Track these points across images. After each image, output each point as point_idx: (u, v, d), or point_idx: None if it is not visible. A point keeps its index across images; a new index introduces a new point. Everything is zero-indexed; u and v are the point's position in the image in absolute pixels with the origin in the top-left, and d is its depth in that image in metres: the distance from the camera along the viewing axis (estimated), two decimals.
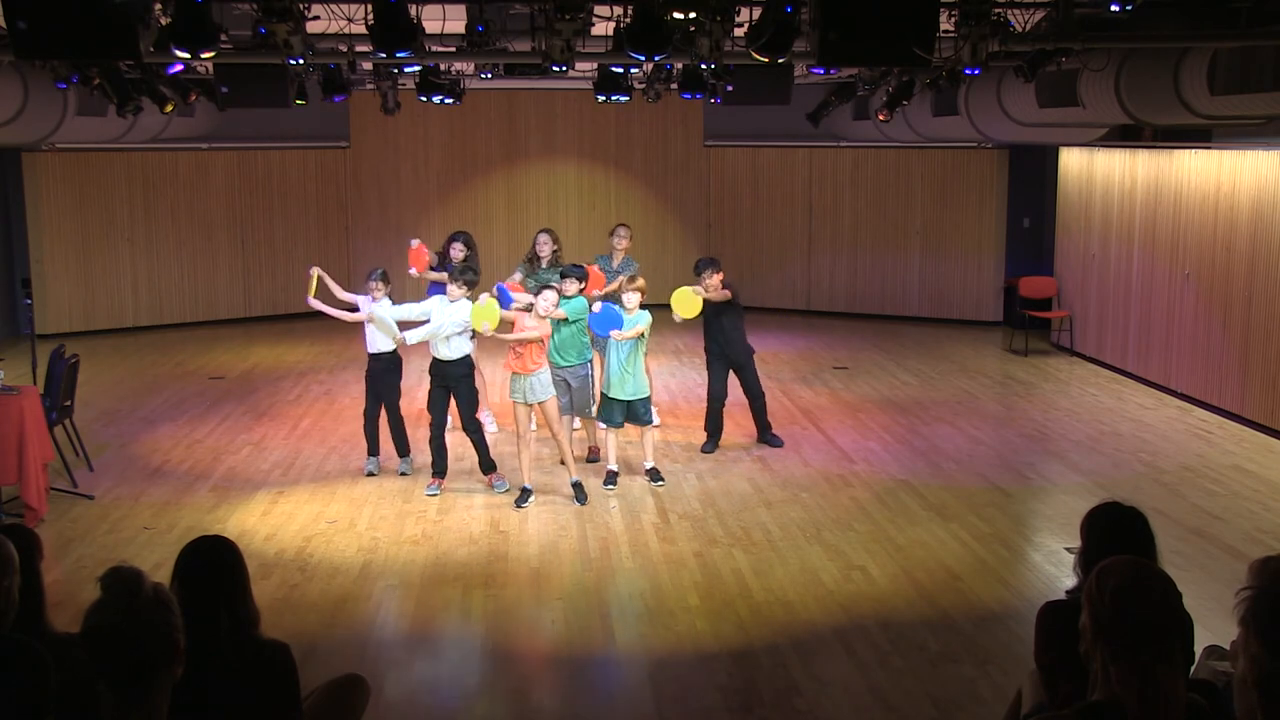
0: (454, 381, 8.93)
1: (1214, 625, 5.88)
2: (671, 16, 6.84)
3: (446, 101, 13.02)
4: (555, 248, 10.36)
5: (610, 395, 9.07)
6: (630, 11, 7.64)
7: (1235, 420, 11.05)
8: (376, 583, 7.25)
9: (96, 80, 9.59)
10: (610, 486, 9.05)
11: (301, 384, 12.84)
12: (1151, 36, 8.50)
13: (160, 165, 16.04)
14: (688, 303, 9.51)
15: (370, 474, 9.44)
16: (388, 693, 5.76)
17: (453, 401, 9.05)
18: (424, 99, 12.75)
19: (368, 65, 11.96)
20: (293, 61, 8.12)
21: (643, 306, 9.12)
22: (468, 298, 8.87)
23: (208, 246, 16.47)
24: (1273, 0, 7.39)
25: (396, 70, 12.50)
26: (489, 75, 12.74)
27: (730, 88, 11.68)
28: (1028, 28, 8.37)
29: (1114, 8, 7.00)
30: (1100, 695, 2.65)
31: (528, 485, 8.77)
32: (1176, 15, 8.47)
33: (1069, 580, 4.43)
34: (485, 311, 8.53)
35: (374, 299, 9.31)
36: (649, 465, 9.29)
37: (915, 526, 8.29)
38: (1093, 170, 13.98)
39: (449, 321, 8.82)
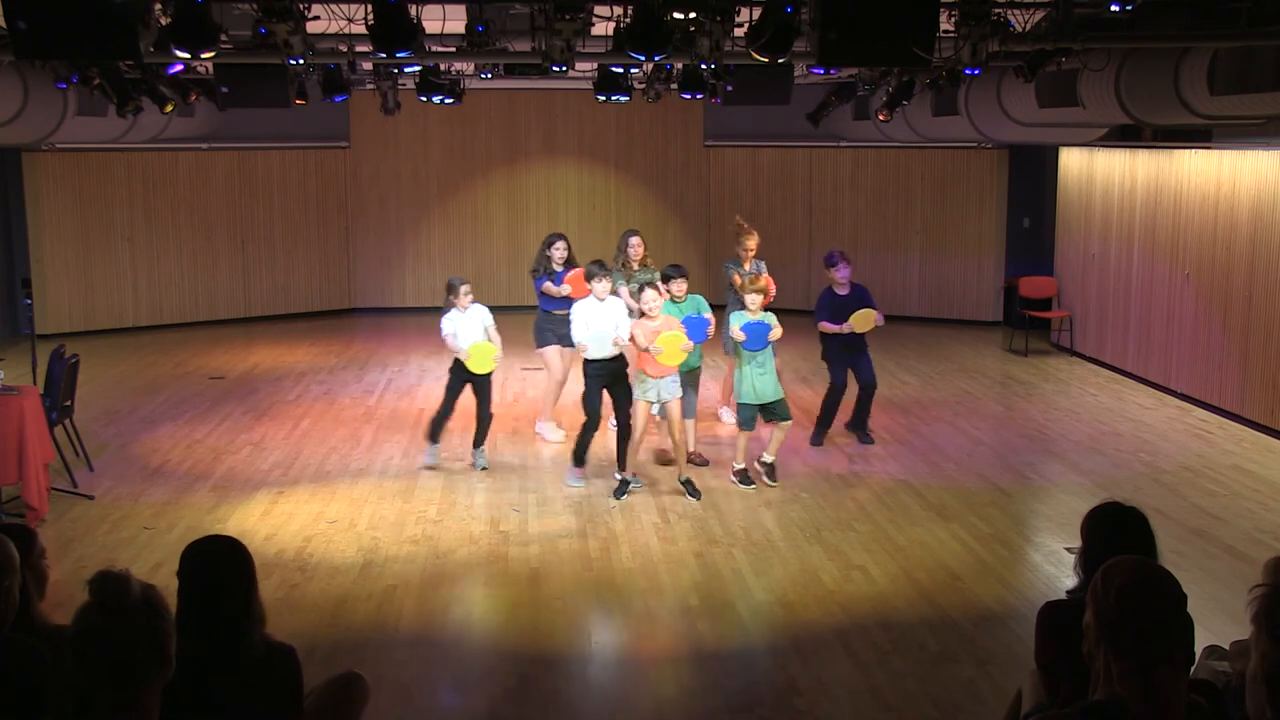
0: (614, 378, 8.93)
1: (1214, 625, 5.89)
2: (671, 16, 6.84)
3: (446, 101, 13.01)
4: (645, 250, 10.29)
5: (748, 402, 9.02)
6: (630, 11, 7.64)
7: (1235, 420, 11.04)
8: (376, 583, 7.24)
9: (96, 80, 9.58)
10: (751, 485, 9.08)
11: (301, 384, 12.84)
12: (1151, 36, 8.51)
13: (160, 165, 16.04)
14: (866, 320, 9.85)
15: (429, 466, 9.47)
16: (387, 692, 5.76)
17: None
18: (424, 99, 12.75)
19: (368, 65, 11.95)
20: (293, 61, 8.11)
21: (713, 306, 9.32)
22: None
23: (208, 246, 16.47)
24: (1273, 0, 7.39)
25: (396, 70, 12.50)
26: (489, 75, 12.73)
27: (730, 88, 11.67)
28: (1028, 28, 8.37)
29: (1114, 8, 7.00)
30: (1102, 694, 2.65)
31: (629, 478, 8.84)
32: (1176, 15, 8.47)
33: (1069, 580, 4.42)
34: (674, 341, 8.58)
35: (463, 309, 9.33)
36: (739, 466, 9.22)
37: (915, 526, 8.29)
38: (1093, 170, 13.98)
39: (612, 319, 8.85)
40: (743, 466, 9.15)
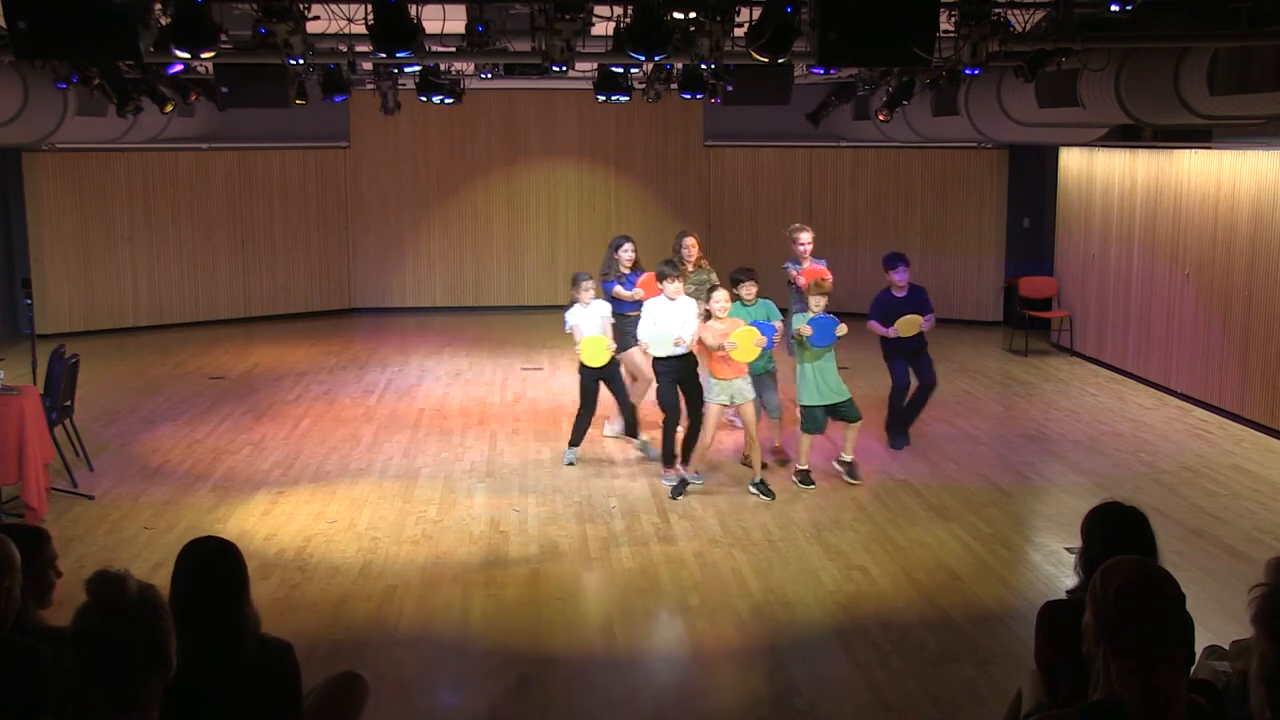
0: (685, 375, 9.00)
1: (1214, 625, 5.89)
2: (671, 16, 6.84)
3: (446, 101, 13.02)
4: (700, 250, 10.25)
5: (813, 403, 9.03)
6: (630, 11, 7.65)
7: (1235, 420, 11.04)
8: (376, 583, 7.24)
9: (96, 80, 9.59)
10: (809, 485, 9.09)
11: (301, 384, 12.84)
12: (1151, 36, 8.51)
13: (160, 165, 16.04)
14: (911, 325, 9.83)
15: (570, 464, 9.60)
16: (387, 692, 5.76)
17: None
18: (424, 99, 12.76)
19: (368, 65, 11.96)
20: (293, 61, 8.12)
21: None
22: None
23: (208, 246, 16.47)
24: (1273, 0, 7.39)
25: (396, 70, 12.50)
26: (489, 75, 12.74)
27: (730, 88, 11.68)
28: (1028, 28, 8.36)
29: (1114, 8, 7.01)
30: (1101, 694, 2.65)
31: (690, 477, 8.91)
32: (1176, 15, 8.47)
33: (1069, 580, 4.43)
34: (748, 337, 8.63)
35: (585, 304, 9.42)
36: (801, 467, 9.21)
37: (915, 526, 8.29)
38: (1093, 170, 13.98)
39: (680, 318, 8.90)
40: (805, 467, 9.16)
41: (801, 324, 8.94)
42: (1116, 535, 3.67)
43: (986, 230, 16.41)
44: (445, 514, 8.53)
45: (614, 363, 9.51)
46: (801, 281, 9.83)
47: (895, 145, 16.33)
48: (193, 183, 16.31)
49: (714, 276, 10.04)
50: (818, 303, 9.01)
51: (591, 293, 9.51)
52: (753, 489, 8.85)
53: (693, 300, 9.24)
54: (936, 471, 9.59)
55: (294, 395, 12.31)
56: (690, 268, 10.04)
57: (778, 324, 9.12)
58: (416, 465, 9.72)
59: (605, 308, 9.62)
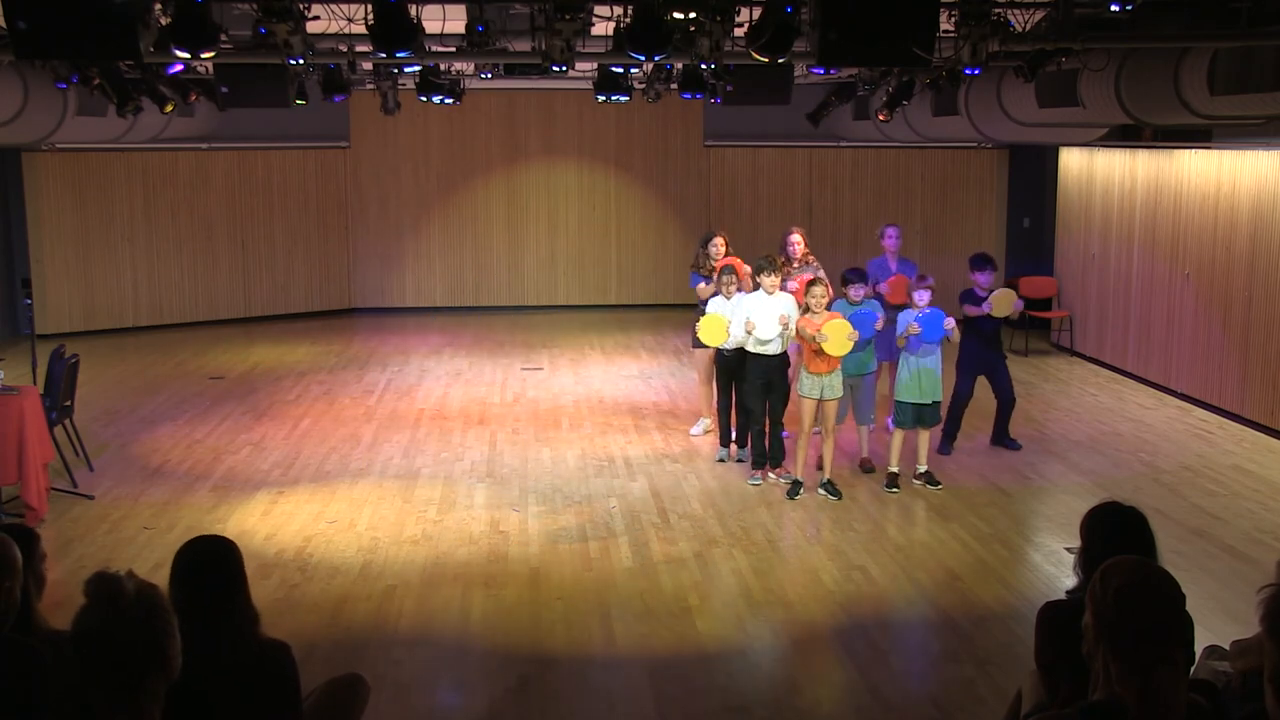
0: (774, 376, 9.06)
1: (1214, 625, 5.90)
2: (671, 16, 6.84)
3: (446, 101, 13.03)
4: (807, 246, 10.26)
5: (911, 400, 9.04)
6: (630, 11, 7.65)
7: (1235, 420, 11.04)
8: (376, 583, 7.24)
9: (96, 80, 9.59)
10: (894, 490, 9.05)
11: (301, 384, 12.84)
12: (1151, 36, 8.51)
13: (160, 165, 16.04)
14: (1005, 302, 9.79)
15: (722, 460, 9.70)
16: (387, 692, 5.76)
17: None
18: (424, 99, 12.76)
19: (368, 65, 11.96)
20: (293, 61, 8.12)
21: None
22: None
23: (208, 246, 16.47)
24: (1273, 0, 7.39)
25: (396, 70, 12.50)
26: (489, 75, 12.74)
27: (730, 88, 11.67)
28: (1028, 28, 8.37)
29: (1114, 8, 7.00)
30: (1101, 694, 2.65)
31: (800, 479, 8.91)
32: (1176, 15, 8.48)
33: (1069, 580, 4.43)
34: (839, 330, 8.64)
35: (727, 295, 9.42)
36: (923, 469, 9.23)
37: (915, 526, 8.29)
38: (1093, 170, 13.98)
39: (779, 311, 8.92)
40: (896, 470, 9.14)
41: (911, 323, 8.93)
42: (1116, 535, 3.67)
43: (986, 230, 16.42)
44: (445, 514, 8.53)
45: (784, 368, 9.30)
46: (885, 289, 10.12)
47: (895, 145, 16.34)
48: (193, 183, 16.31)
49: (821, 272, 10.08)
50: (922, 298, 8.99)
51: (735, 286, 9.47)
52: (821, 490, 8.89)
53: (790, 296, 9.22)
54: (937, 471, 9.58)
55: (294, 395, 12.31)
56: (796, 264, 10.08)
57: (880, 314, 9.16)
58: (416, 465, 9.72)
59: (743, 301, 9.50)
